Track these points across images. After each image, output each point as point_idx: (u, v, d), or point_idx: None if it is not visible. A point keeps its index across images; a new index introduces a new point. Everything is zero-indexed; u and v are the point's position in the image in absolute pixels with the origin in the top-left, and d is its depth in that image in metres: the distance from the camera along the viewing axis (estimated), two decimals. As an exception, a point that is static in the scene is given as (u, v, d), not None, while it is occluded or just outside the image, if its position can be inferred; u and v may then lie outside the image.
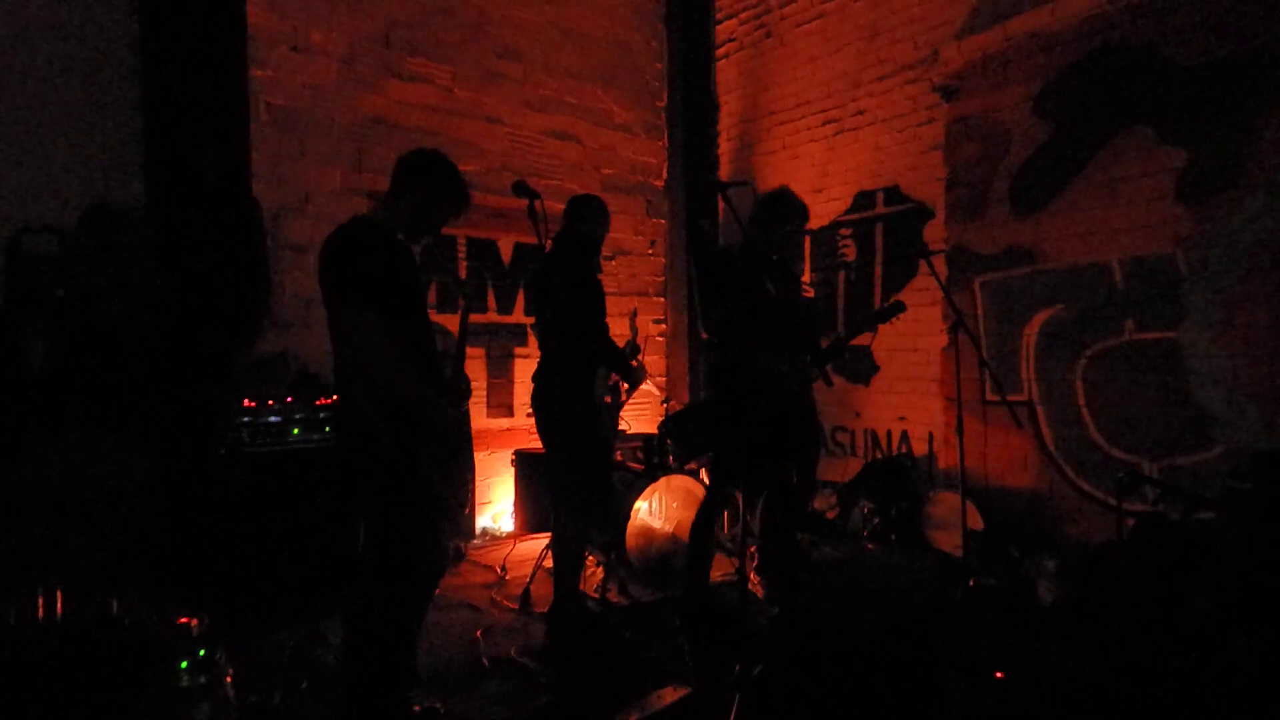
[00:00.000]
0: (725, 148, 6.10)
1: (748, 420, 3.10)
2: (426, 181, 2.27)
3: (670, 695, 2.52)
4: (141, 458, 3.36)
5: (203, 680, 1.85)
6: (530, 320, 3.29)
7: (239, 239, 3.76)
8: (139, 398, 3.41)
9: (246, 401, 3.16)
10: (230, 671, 1.97)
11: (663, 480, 3.82)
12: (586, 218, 3.19)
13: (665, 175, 6.18)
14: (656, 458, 4.03)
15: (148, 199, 3.63)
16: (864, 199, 5.09)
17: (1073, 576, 3.41)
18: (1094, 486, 3.97)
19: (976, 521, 4.09)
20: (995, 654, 2.82)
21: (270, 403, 3.24)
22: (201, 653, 1.87)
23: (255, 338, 3.93)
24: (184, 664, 1.83)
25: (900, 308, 3.33)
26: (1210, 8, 3.56)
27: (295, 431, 3.24)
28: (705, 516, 3.33)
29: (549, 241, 2.85)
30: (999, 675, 2.53)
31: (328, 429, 3.30)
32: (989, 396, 4.36)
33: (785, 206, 3.35)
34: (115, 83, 3.62)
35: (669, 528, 3.82)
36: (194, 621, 1.96)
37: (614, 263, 5.84)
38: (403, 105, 4.66)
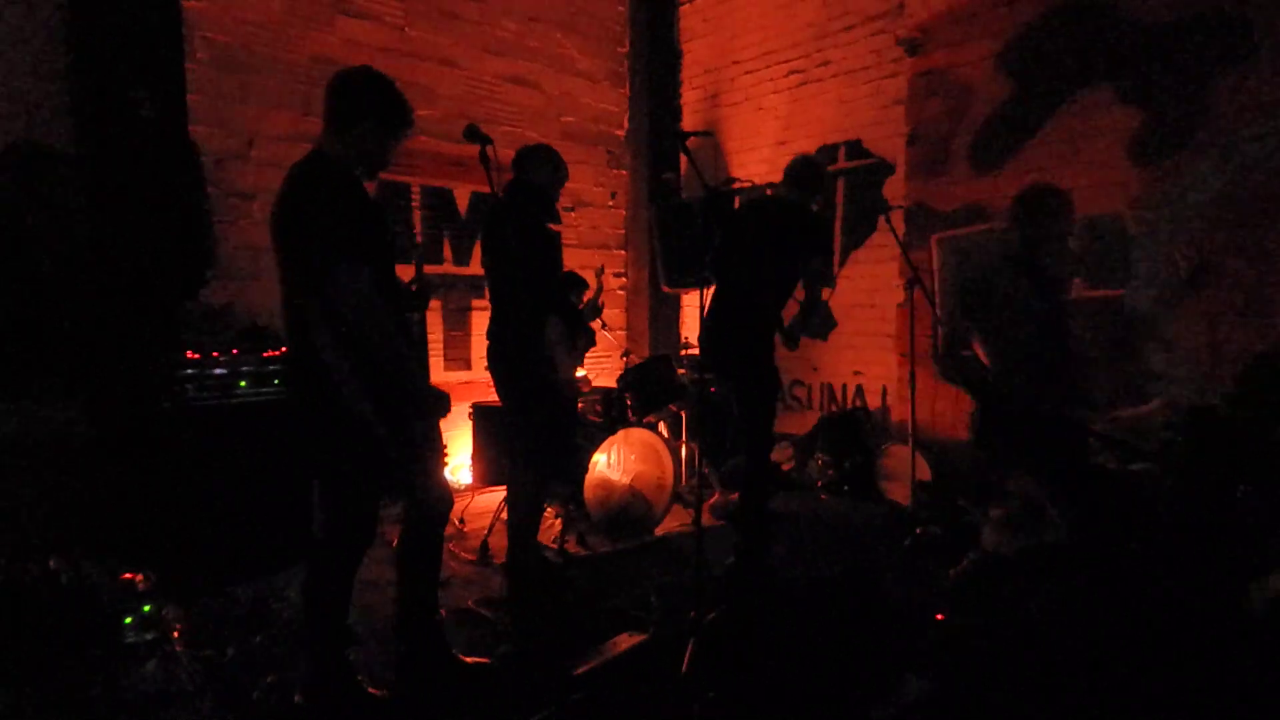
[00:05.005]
0: (689, 97, 5.98)
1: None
2: (379, 111, 2.11)
3: (626, 642, 2.57)
4: (81, 412, 3.25)
5: (149, 636, 1.82)
6: (485, 271, 3.22)
7: (179, 184, 3.59)
8: (76, 349, 3.28)
9: (190, 353, 3.05)
10: (178, 627, 1.94)
11: (621, 433, 3.84)
12: (534, 168, 3.09)
13: (627, 125, 6.05)
14: (615, 411, 4.04)
15: (78, 140, 3.42)
16: (827, 153, 5.06)
17: (1017, 525, 3.54)
18: (1038, 439, 4.11)
19: (926, 473, 4.21)
20: (938, 599, 2.94)
21: (215, 354, 3.14)
22: (147, 609, 1.83)
23: (199, 288, 3.79)
24: (128, 620, 1.79)
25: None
26: (1170, -35, 3.57)
27: (242, 384, 3.15)
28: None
29: (501, 191, 2.77)
30: (939, 617, 2.63)
31: (277, 382, 3.22)
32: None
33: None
34: (36, 11, 3.36)
35: (627, 480, 3.85)
36: (139, 577, 1.92)
37: (574, 214, 5.74)
38: (352, 44, 4.45)
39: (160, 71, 3.51)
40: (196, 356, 3.09)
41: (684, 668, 2.30)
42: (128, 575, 1.94)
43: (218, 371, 3.13)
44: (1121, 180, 3.76)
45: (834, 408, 5.09)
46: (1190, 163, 3.56)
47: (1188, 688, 2.23)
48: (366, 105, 2.10)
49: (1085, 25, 3.85)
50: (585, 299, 4.44)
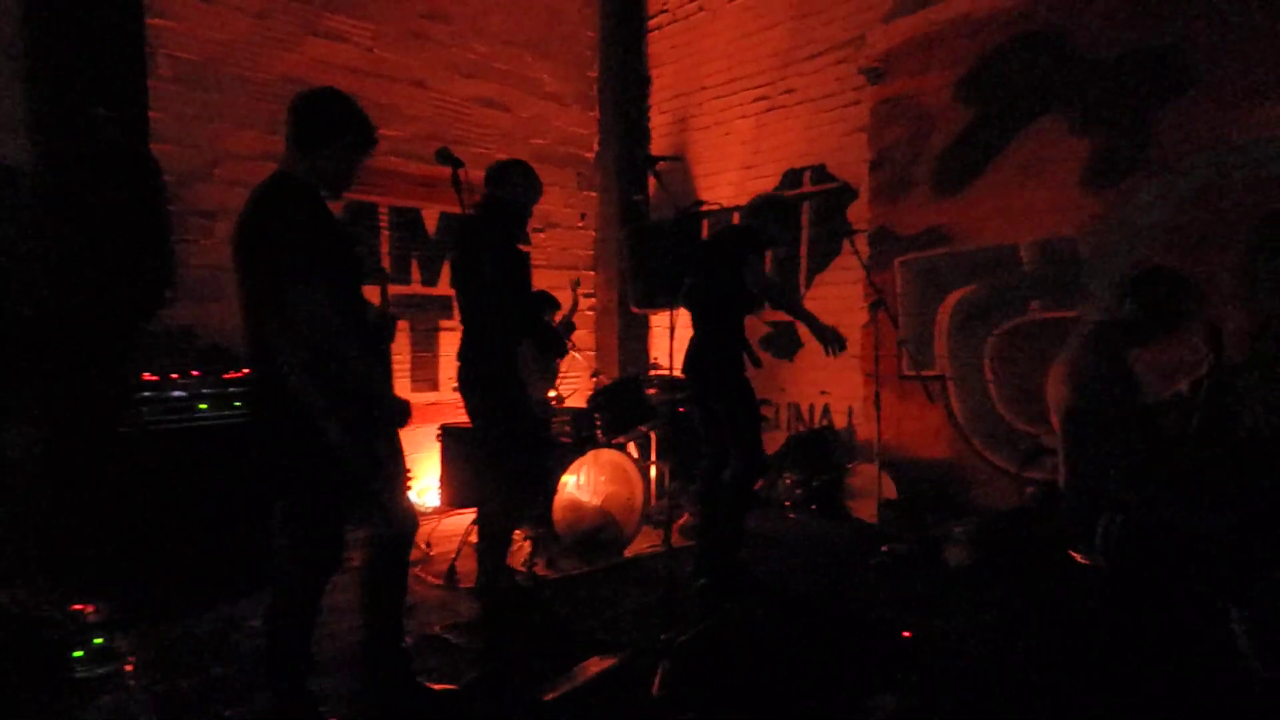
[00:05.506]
0: (657, 121, 6.06)
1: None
2: (343, 131, 2.10)
3: (597, 665, 2.54)
4: (33, 435, 3.14)
5: (101, 671, 1.75)
6: (455, 292, 3.19)
7: (139, 202, 3.52)
8: (30, 371, 3.17)
9: (146, 375, 2.97)
10: (132, 660, 1.87)
11: (590, 454, 3.82)
12: (509, 184, 3.06)
13: (596, 147, 6.10)
14: (585, 432, 4.02)
15: (35, 156, 3.35)
16: (792, 177, 5.16)
17: (979, 541, 3.60)
18: (999, 457, 4.20)
19: (892, 491, 4.27)
20: (905, 615, 2.96)
21: (174, 376, 3.06)
22: (98, 641, 1.76)
23: (159, 309, 3.70)
24: (78, 654, 1.72)
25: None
26: (1118, 0, 3.73)
27: (203, 407, 3.08)
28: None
29: (472, 208, 2.76)
30: (906, 635, 2.66)
31: (237, 404, 3.15)
32: (905, 372, 4.53)
33: None
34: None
35: (597, 501, 3.83)
36: (90, 608, 1.85)
37: (544, 235, 5.75)
38: (321, 65, 4.43)
39: (121, 88, 3.45)
40: (154, 378, 3.02)
41: (654, 690, 2.28)
42: (78, 606, 1.86)
43: (176, 394, 3.05)
44: (1076, 205, 3.90)
45: (801, 427, 5.14)
46: (1138, 189, 3.70)
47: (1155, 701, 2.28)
48: (331, 125, 2.09)
49: (1039, 56, 4.00)
50: (558, 317, 4.43)
